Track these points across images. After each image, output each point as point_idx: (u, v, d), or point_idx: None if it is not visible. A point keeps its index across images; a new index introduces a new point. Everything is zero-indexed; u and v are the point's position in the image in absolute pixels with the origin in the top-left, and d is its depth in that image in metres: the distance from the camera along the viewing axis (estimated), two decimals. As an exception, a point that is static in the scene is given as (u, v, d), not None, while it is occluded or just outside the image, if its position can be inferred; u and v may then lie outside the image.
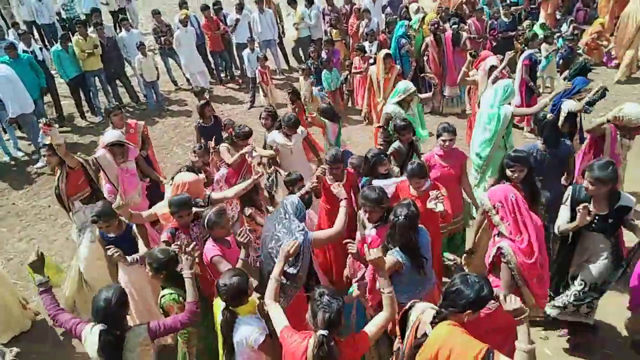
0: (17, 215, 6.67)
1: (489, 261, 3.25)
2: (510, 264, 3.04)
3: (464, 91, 8.04)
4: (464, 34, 8.20)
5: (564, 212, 3.51)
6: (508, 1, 10.54)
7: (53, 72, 9.05)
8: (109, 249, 3.55)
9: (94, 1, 11.42)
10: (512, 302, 2.30)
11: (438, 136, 4.37)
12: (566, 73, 8.23)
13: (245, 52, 9.13)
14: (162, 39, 9.56)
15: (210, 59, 10.33)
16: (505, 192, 3.13)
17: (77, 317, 2.89)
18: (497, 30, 8.93)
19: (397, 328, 2.66)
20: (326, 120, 5.94)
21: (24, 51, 8.14)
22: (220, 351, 2.99)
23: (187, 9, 9.79)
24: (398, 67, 7.24)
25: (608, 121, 4.48)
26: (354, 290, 3.45)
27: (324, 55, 8.47)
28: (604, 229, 3.38)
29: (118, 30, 10.39)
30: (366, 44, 8.36)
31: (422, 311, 2.52)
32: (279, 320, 2.58)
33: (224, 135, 5.88)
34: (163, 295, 3.19)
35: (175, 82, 10.52)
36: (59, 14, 11.71)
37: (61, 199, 4.58)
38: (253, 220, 4.09)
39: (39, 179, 7.46)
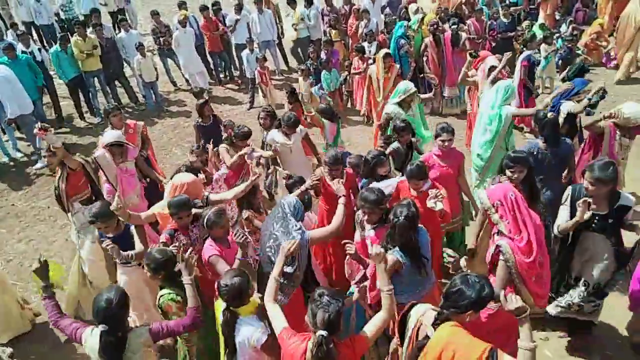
0: (17, 216, 6.66)
1: (489, 260, 3.25)
2: (508, 262, 3.04)
3: (464, 91, 8.02)
4: (463, 35, 8.20)
5: (564, 212, 3.51)
6: (507, 2, 10.54)
7: (52, 72, 9.04)
8: (103, 241, 3.53)
9: (93, 2, 11.42)
10: (514, 302, 2.30)
11: (436, 136, 4.38)
12: (564, 74, 8.27)
13: (245, 53, 9.13)
14: (161, 39, 9.56)
15: (210, 59, 10.33)
16: (505, 191, 3.13)
17: (78, 321, 2.88)
18: (497, 31, 8.92)
19: (397, 330, 2.65)
20: (325, 120, 5.94)
21: (22, 52, 8.13)
22: (222, 352, 2.98)
23: (186, 10, 9.79)
24: (397, 66, 7.23)
25: (605, 117, 4.48)
26: (354, 292, 3.45)
27: (323, 55, 8.47)
28: (603, 229, 3.38)
29: (117, 31, 10.38)
30: (365, 44, 8.35)
31: (422, 313, 2.51)
32: (278, 321, 2.57)
33: (223, 135, 5.89)
34: (161, 295, 3.19)
35: (174, 83, 10.52)
36: (57, 14, 11.71)
37: (61, 200, 4.57)
38: (251, 223, 4.08)
39: (38, 180, 7.45)
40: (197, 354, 3.47)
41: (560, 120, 4.98)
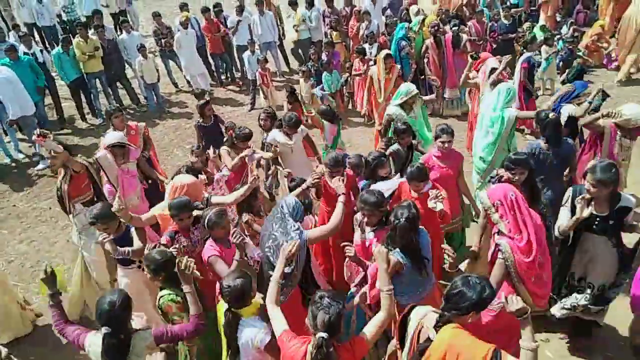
0: (18, 217, 6.67)
1: (489, 260, 3.26)
2: (507, 261, 3.04)
3: (464, 93, 8.04)
4: (464, 36, 8.20)
5: (564, 213, 3.51)
6: (508, 3, 10.57)
7: (54, 74, 9.07)
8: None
9: (95, 3, 11.45)
10: (514, 303, 2.30)
11: (436, 138, 4.39)
12: (564, 77, 8.29)
13: (246, 55, 9.14)
14: (163, 41, 9.58)
15: (211, 61, 10.34)
16: (505, 191, 3.13)
17: (81, 327, 2.87)
18: (497, 33, 8.93)
19: (396, 333, 2.65)
20: (325, 122, 5.95)
21: (24, 53, 8.15)
22: (224, 353, 2.98)
23: (188, 11, 9.80)
24: (398, 66, 7.25)
25: (603, 116, 4.48)
26: (356, 297, 3.44)
27: (324, 57, 8.47)
28: (604, 231, 3.38)
29: (119, 33, 10.41)
30: (366, 46, 8.37)
31: (423, 315, 2.51)
32: (279, 323, 2.57)
33: (225, 136, 5.89)
34: (162, 296, 3.19)
35: (175, 84, 10.54)
36: (59, 16, 11.75)
37: (62, 201, 4.56)
38: (250, 227, 4.08)
39: (39, 181, 7.46)
40: (198, 354, 3.47)
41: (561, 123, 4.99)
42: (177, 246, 3.57)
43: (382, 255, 2.71)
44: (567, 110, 4.92)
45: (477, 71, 6.27)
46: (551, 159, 4.21)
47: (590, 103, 4.79)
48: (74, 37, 8.63)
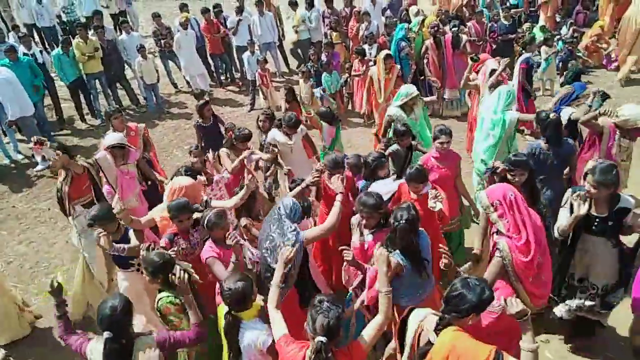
0: (17, 218, 6.66)
1: (488, 260, 3.26)
2: (505, 260, 3.04)
3: (464, 93, 8.05)
4: (464, 37, 8.20)
5: (564, 214, 3.51)
6: (508, 4, 10.58)
7: (53, 74, 9.06)
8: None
9: (95, 4, 11.45)
10: (514, 305, 2.30)
11: (435, 139, 4.38)
12: (563, 79, 8.28)
13: (246, 55, 9.14)
14: (162, 41, 9.58)
15: (210, 61, 10.34)
16: (504, 191, 3.13)
17: (84, 335, 2.86)
18: (497, 33, 8.93)
19: (396, 336, 2.64)
20: (323, 123, 5.95)
21: (24, 54, 8.14)
22: (225, 356, 2.97)
23: (188, 12, 9.81)
24: (398, 67, 7.25)
25: (600, 114, 4.48)
26: (356, 302, 3.42)
27: (323, 58, 8.48)
28: (603, 232, 3.37)
29: (118, 33, 10.40)
30: (366, 46, 8.37)
31: (422, 318, 2.50)
32: (279, 328, 2.56)
33: (224, 137, 5.89)
34: (160, 298, 3.18)
35: (175, 85, 10.54)
36: (59, 16, 11.74)
37: (62, 203, 4.56)
38: (249, 232, 4.07)
39: (38, 181, 7.45)
40: (197, 355, 3.46)
41: (561, 126, 4.99)
42: (175, 249, 3.57)
43: (382, 258, 2.70)
44: (567, 113, 4.92)
45: (477, 73, 6.27)
46: (551, 159, 4.21)
47: (590, 106, 4.79)
48: (73, 38, 8.63)
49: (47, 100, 8.96)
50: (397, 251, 3.08)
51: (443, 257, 2.95)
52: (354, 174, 4.49)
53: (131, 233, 3.85)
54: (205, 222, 3.51)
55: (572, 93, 5.18)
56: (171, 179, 4.64)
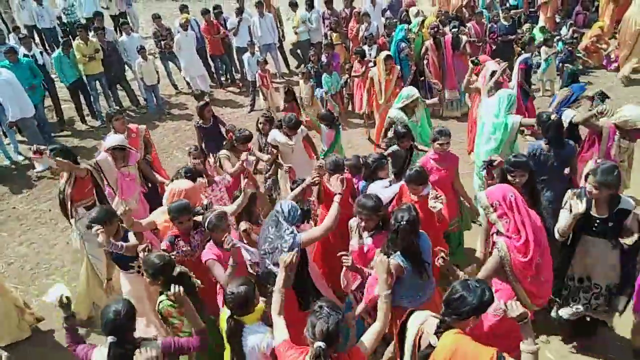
0: (18, 219, 6.66)
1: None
2: (503, 259, 3.05)
3: (464, 94, 8.05)
4: (464, 38, 8.21)
5: (564, 215, 3.51)
6: (507, 4, 10.59)
7: (53, 76, 9.07)
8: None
9: (95, 5, 11.46)
10: (515, 309, 2.31)
11: (434, 140, 4.38)
12: (561, 82, 8.30)
13: (246, 56, 9.14)
14: (163, 42, 9.59)
15: (211, 62, 10.35)
16: (504, 192, 3.13)
17: (90, 345, 2.86)
18: (497, 34, 8.94)
19: (396, 339, 2.64)
20: (322, 126, 5.95)
21: (24, 55, 8.15)
22: (227, 358, 2.98)
23: (188, 13, 9.82)
24: (398, 67, 7.25)
25: (598, 113, 4.49)
26: (358, 308, 3.41)
27: (324, 58, 8.48)
28: (604, 233, 3.37)
29: (118, 34, 10.41)
30: (366, 47, 8.37)
31: (422, 321, 2.49)
32: (280, 333, 2.56)
33: (224, 138, 5.89)
34: (161, 301, 3.19)
35: (175, 86, 10.55)
36: (59, 18, 11.75)
37: (64, 205, 4.55)
38: (248, 236, 4.07)
39: (39, 183, 7.45)
40: (197, 355, 3.46)
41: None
42: (175, 252, 3.58)
43: (383, 266, 2.67)
44: (568, 116, 4.92)
45: (478, 75, 6.27)
46: (552, 160, 4.22)
47: (590, 110, 4.79)
48: (74, 39, 8.63)
49: (48, 102, 8.97)
50: (398, 253, 3.08)
51: (439, 257, 2.93)
52: (353, 175, 4.49)
53: (131, 235, 3.85)
54: (207, 223, 3.52)
55: (571, 95, 5.18)
56: (171, 181, 4.64)
